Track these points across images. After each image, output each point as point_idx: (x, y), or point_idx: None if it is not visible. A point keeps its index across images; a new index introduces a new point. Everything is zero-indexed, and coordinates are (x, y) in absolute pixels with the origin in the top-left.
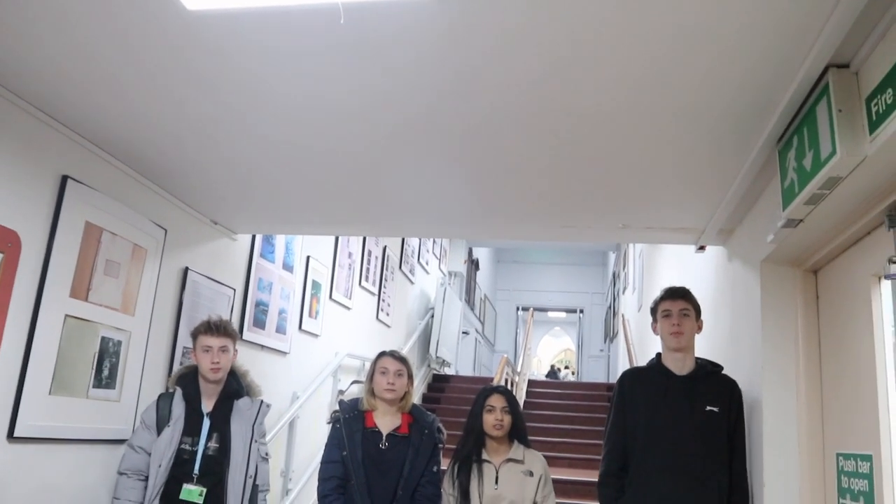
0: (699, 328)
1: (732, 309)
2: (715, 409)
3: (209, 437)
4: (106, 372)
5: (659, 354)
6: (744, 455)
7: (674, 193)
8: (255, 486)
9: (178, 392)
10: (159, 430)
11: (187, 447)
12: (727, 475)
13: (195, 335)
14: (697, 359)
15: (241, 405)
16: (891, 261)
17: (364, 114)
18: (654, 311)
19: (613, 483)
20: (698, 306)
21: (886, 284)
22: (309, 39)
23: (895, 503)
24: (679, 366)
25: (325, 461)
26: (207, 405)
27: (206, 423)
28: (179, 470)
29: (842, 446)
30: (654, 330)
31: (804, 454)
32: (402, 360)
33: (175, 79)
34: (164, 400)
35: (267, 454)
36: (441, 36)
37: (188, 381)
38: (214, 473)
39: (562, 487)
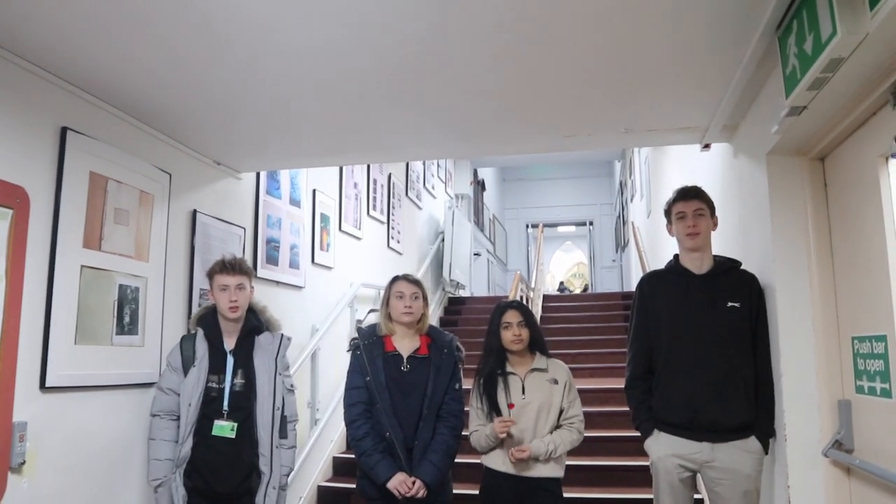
0: (714, 225)
1: (741, 204)
2: (736, 305)
3: (234, 374)
4: (127, 318)
5: (676, 256)
6: (768, 348)
7: (675, 89)
8: (283, 418)
9: (200, 332)
10: (186, 371)
11: (214, 385)
12: (753, 369)
13: (211, 275)
14: (715, 256)
15: (263, 340)
16: None
17: (353, 43)
18: (667, 213)
19: (640, 385)
20: (712, 204)
21: (894, 163)
22: None
23: None
24: (697, 265)
25: (349, 388)
26: (229, 343)
27: (230, 360)
28: (209, 407)
29: (856, 330)
30: (670, 232)
31: (820, 341)
32: (416, 282)
33: (166, 19)
34: (187, 341)
35: (292, 386)
36: None
37: (208, 321)
38: (243, 408)
39: (584, 396)
